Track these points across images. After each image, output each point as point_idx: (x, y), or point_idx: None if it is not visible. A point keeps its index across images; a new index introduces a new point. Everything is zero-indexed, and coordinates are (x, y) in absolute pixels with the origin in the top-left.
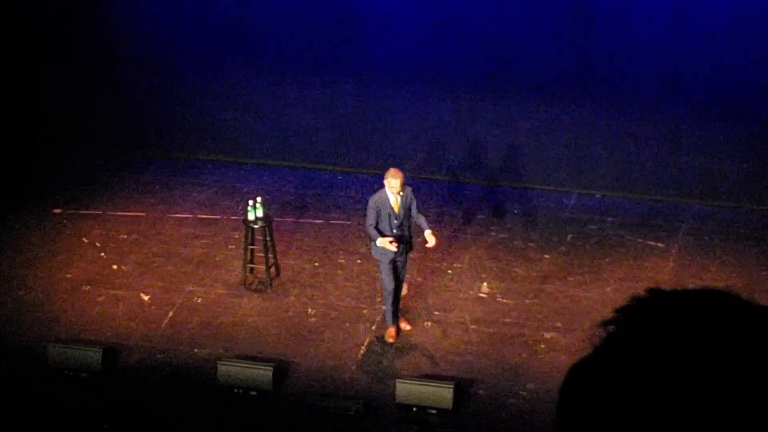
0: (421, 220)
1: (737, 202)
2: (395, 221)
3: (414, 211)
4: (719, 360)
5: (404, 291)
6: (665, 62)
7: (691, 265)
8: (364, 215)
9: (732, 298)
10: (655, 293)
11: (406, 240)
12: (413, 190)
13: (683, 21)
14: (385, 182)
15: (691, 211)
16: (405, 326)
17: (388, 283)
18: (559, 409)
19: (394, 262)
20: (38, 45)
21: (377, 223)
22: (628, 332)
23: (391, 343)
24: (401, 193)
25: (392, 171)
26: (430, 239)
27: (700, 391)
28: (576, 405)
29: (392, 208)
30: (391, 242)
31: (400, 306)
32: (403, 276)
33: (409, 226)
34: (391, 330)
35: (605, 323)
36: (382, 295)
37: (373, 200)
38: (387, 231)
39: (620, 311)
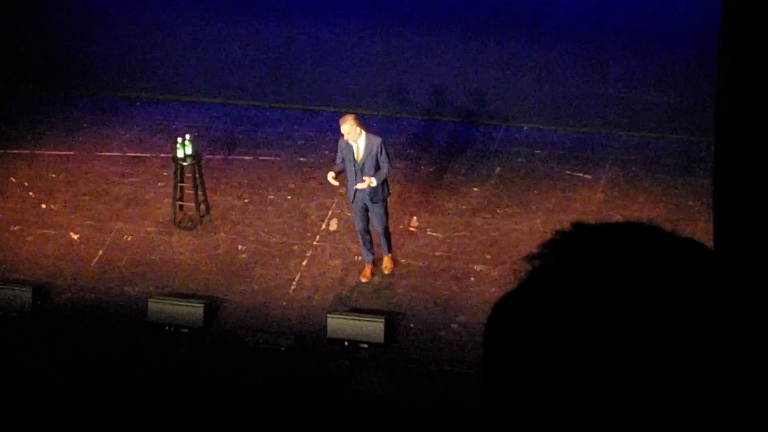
0: (379, 173)
1: (663, 133)
2: (354, 167)
3: (382, 163)
4: (642, 294)
5: (387, 265)
6: None
7: (618, 197)
8: (294, 152)
9: (657, 231)
10: (582, 226)
11: (372, 188)
12: (383, 143)
13: None
14: None
15: (618, 142)
16: (386, 267)
17: (355, 224)
18: (484, 341)
19: (357, 204)
20: None
21: (343, 163)
22: (554, 265)
23: (364, 282)
24: (358, 141)
25: (342, 118)
26: (362, 182)
27: (621, 325)
28: (501, 338)
29: (353, 155)
30: (335, 178)
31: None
32: (377, 224)
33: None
34: (366, 269)
35: (533, 256)
36: (312, 231)
37: (341, 140)
38: (350, 174)
39: (548, 244)
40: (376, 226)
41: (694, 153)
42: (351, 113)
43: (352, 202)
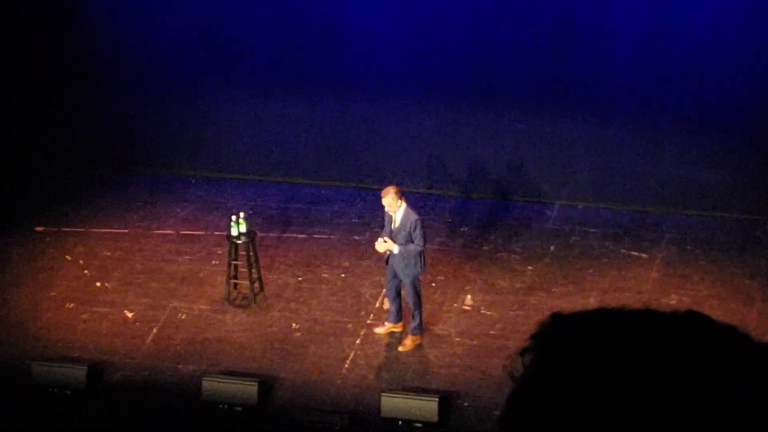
0: (407, 246)
1: (718, 212)
2: (391, 235)
3: (415, 238)
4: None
5: (406, 343)
6: (646, 74)
7: (674, 276)
8: (348, 230)
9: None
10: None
11: (402, 259)
12: (419, 221)
13: (663, 34)
14: None
15: (673, 221)
16: (404, 344)
17: (386, 283)
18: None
19: (390, 268)
20: (19, 62)
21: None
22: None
23: (376, 334)
24: (397, 212)
25: (384, 190)
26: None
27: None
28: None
29: (392, 223)
30: (384, 243)
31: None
32: (408, 299)
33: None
34: (385, 324)
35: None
36: (366, 309)
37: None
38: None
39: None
40: (407, 300)
41: (750, 232)
42: (392, 186)
43: (387, 263)
